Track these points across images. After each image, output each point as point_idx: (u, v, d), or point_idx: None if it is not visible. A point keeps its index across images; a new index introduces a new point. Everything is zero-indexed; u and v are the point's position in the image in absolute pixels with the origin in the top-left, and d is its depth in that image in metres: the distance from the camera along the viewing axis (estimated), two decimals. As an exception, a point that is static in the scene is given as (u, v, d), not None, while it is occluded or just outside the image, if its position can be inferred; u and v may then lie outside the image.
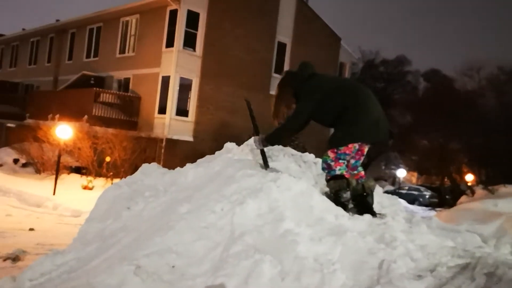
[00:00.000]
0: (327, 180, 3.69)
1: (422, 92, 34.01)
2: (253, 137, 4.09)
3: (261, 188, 3.15)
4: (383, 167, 42.12)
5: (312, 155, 4.97)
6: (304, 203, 3.12)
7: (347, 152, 3.66)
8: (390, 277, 2.53)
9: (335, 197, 3.53)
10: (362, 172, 3.90)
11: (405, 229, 3.33)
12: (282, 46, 22.65)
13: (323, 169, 3.75)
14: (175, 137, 18.32)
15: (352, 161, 3.81)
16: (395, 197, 5.13)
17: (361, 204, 3.66)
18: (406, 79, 33.45)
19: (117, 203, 4.01)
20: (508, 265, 2.60)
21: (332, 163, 3.66)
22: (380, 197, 4.59)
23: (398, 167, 36.64)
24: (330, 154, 3.67)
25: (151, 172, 4.46)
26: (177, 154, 16.89)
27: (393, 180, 41.31)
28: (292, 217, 2.94)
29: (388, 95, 32.41)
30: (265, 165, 3.89)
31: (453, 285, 2.44)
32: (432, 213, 17.82)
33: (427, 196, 32.08)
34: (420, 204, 30.86)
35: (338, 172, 3.62)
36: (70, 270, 3.25)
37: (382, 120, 3.74)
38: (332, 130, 3.91)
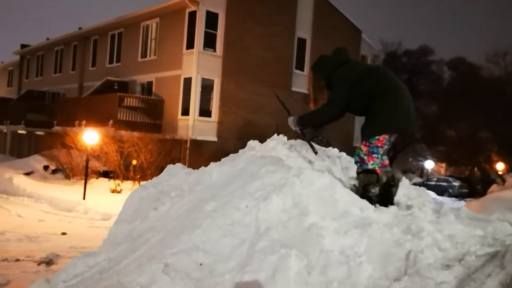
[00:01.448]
0: (358, 173, 3.67)
1: (447, 81, 33.40)
2: (288, 118, 4.04)
3: (285, 183, 3.16)
4: (410, 159, 41.54)
5: (336, 150, 4.95)
6: (328, 196, 3.12)
7: (379, 144, 3.58)
8: (417, 268, 2.51)
9: (363, 190, 3.51)
10: (387, 161, 3.84)
11: (432, 220, 3.29)
12: (302, 42, 22.56)
13: (356, 162, 3.70)
14: (199, 138, 18.47)
15: (382, 152, 3.72)
16: (422, 188, 5.07)
17: (386, 193, 3.62)
18: (430, 69, 32.91)
19: (144, 204, 4.08)
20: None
21: (365, 157, 3.61)
22: (407, 189, 4.54)
23: (426, 158, 36.08)
24: (363, 147, 3.63)
25: (176, 173, 4.52)
26: (202, 154, 17.02)
27: (421, 172, 40.68)
28: (317, 211, 2.94)
29: (413, 86, 31.92)
30: (313, 151, 3.91)
31: (483, 273, 2.40)
32: (462, 203, 17.51)
33: (456, 187, 31.50)
34: (450, 195, 30.33)
35: (370, 167, 3.58)
36: (102, 271, 3.33)
37: (412, 110, 3.69)
38: (363, 120, 3.83)
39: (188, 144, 18.32)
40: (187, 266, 2.82)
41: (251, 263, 2.67)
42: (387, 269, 2.58)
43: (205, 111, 19.14)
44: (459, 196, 29.19)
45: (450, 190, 31.55)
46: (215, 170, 3.96)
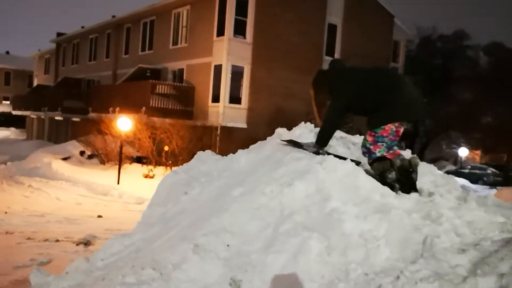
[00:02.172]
0: (370, 164, 3.77)
1: (484, 67, 32.46)
2: (307, 149, 4.01)
3: (309, 170, 3.30)
4: (444, 147, 40.76)
5: (362, 137, 5.03)
6: (350, 183, 3.24)
7: (384, 134, 3.71)
8: (433, 251, 2.62)
9: (381, 178, 3.61)
10: (398, 151, 3.94)
11: (453, 206, 3.37)
12: (332, 28, 22.36)
13: (363, 153, 3.83)
14: (229, 125, 18.69)
15: (388, 142, 3.84)
16: (450, 176, 5.10)
17: (407, 180, 3.72)
18: (466, 54, 32.00)
19: (176, 188, 4.30)
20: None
21: (371, 147, 3.74)
22: (434, 176, 4.59)
23: (460, 146, 35.34)
24: (368, 138, 3.76)
25: (206, 159, 4.72)
26: (232, 141, 17.25)
27: (455, 159, 39.89)
28: (339, 196, 3.08)
29: (447, 72, 31.23)
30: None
31: (496, 257, 2.49)
32: (493, 191, 17.19)
33: (491, 175, 30.77)
34: (485, 183, 29.68)
35: (378, 155, 3.70)
36: (137, 250, 3.57)
37: (417, 100, 3.82)
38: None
39: (219, 131, 18.57)
40: (216, 246, 3.01)
41: (275, 245, 2.84)
42: (404, 252, 2.71)
43: (235, 98, 19.32)
44: (494, 184, 28.54)
45: (485, 178, 30.85)
46: (242, 157, 4.14)
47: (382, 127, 3.69)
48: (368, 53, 22.05)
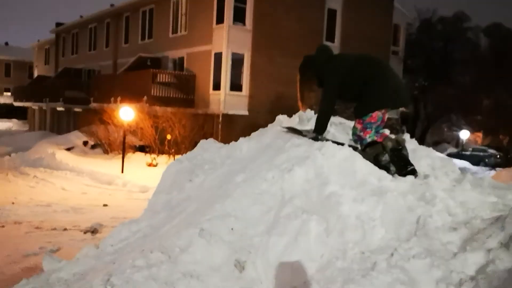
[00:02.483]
0: (363, 150, 3.91)
1: (484, 48, 32.36)
2: (307, 138, 4.14)
3: (308, 156, 3.44)
4: (446, 130, 40.82)
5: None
6: (348, 168, 3.38)
7: (372, 121, 3.88)
8: (426, 230, 2.77)
9: (375, 162, 3.75)
10: (385, 133, 4.11)
11: (447, 188, 3.51)
12: (332, 13, 22.32)
13: (355, 141, 4.00)
14: (230, 112, 18.79)
15: (376, 127, 3.98)
16: (448, 158, 5.23)
17: (400, 158, 3.86)
18: (466, 36, 31.88)
19: (180, 176, 4.44)
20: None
21: (361, 133, 3.90)
22: (431, 159, 4.72)
23: (461, 128, 35.41)
24: (357, 125, 3.92)
25: (208, 147, 4.86)
26: (233, 128, 17.37)
27: (457, 142, 39.96)
28: (337, 181, 3.22)
29: (448, 54, 31.15)
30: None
31: (484, 234, 2.64)
32: (492, 173, 17.33)
33: (492, 157, 30.90)
34: (486, 165, 29.81)
35: (369, 140, 3.85)
36: (145, 236, 3.73)
37: (402, 88, 4.01)
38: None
39: (220, 118, 18.68)
40: (220, 230, 3.16)
41: (276, 228, 3.00)
42: (399, 231, 2.85)
43: (236, 85, 19.38)
44: (495, 166, 28.67)
45: (486, 160, 30.98)
46: (244, 144, 4.28)
47: (370, 114, 3.84)
48: (368, 37, 22.05)
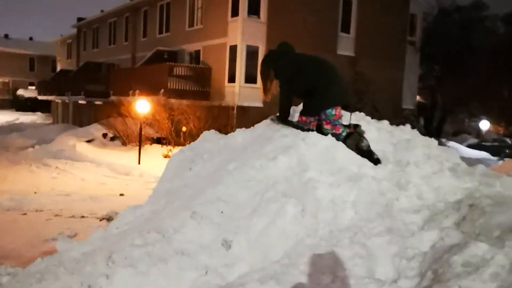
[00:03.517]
0: (344, 142, 4.12)
1: (502, 37, 31.79)
2: (271, 117, 4.66)
3: (292, 145, 3.73)
4: (466, 120, 40.35)
5: (386, 122, 5.04)
6: (329, 156, 3.66)
7: (336, 118, 4.17)
8: (391, 212, 3.04)
9: (358, 150, 4.00)
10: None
11: (425, 175, 3.75)
12: (347, 3, 22.29)
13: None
14: (245, 104, 19.05)
15: (340, 122, 4.26)
16: (448, 148, 5.45)
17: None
18: (484, 24, 31.39)
19: (182, 165, 4.78)
20: (493, 198, 2.98)
21: (334, 131, 4.14)
22: (429, 149, 4.94)
23: (480, 119, 34.99)
24: (327, 126, 4.16)
25: (210, 138, 5.18)
26: (248, 120, 17.50)
27: (478, 132, 39.45)
28: (316, 167, 3.51)
29: (465, 43, 30.74)
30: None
31: (443, 215, 2.89)
32: (500, 162, 17.25)
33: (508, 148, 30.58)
34: (506, 156, 29.53)
35: (344, 134, 4.10)
36: (146, 219, 4.08)
37: (344, 85, 4.42)
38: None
39: (235, 110, 18.99)
40: (211, 213, 3.49)
41: (259, 210, 3.30)
42: (369, 213, 3.13)
43: (251, 78, 19.58)
44: (508, 156, 28.37)
45: (507, 151, 30.66)
46: (240, 135, 4.59)
47: (334, 113, 4.12)
48: (384, 28, 22.01)
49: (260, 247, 3.12)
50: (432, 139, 5.50)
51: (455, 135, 38.19)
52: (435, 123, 31.51)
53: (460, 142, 32.30)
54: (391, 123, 4.99)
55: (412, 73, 25.72)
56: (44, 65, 48.71)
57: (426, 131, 23.78)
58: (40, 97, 35.28)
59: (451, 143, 28.20)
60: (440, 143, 5.76)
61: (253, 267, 3.03)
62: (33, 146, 19.33)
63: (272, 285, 2.77)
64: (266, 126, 4.42)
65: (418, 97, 29.54)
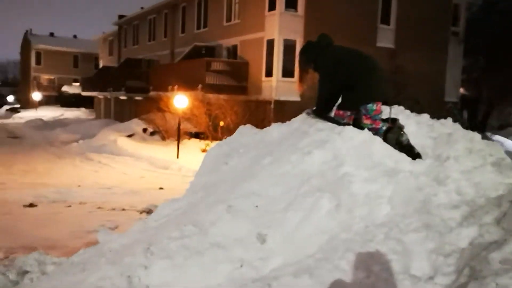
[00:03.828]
0: (384, 139, 4.05)
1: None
2: (306, 111, 4.55)
3: (327, 140, 3.71)
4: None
5: (427, 115, 4.92)
6: (365, 150, 3.62)
7: (377, 113, 4.10)
8: (428, 207, 2.97)
9: (398, 144, 3.93)
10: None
11: (465, 170, 3.65)
12: (387, -6, 21.82)
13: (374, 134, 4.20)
14: (282, 98, 19.00)
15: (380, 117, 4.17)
16: (494, 142, 5.28)
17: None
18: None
19: (218, 159, 4.84)
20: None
21: (374, 126, 4.08)
22: (471, 143, 4.81)
23: (528, 111, 33.58)
24: (366, 121, 4.10)
25: (246, 132, 5.21)
26: (285, 115, 17.46)
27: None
28: (351, 162, 3.48)
29: (511, 34, 29.52)
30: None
31: (483, 211, 2.81)
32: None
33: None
34: (554, 151, 28.23)
35: (384, 128, 4.03)
36: (183, 212, 4.15)
37: (387, 82, 4.23)
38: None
39: (272, 105, 18.97)
40: (246, 207, 3.52)
41: (293, 205, 3.31)
42: (405, 209, 3.08)
43: (288, 72, 19.49)
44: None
45: (560, 144, 29.31)
46: (275, 129, 4.59)
47: (374, 108, 4.06)
48: (426, 19, 21.41)
49: (294, 242, 3.13)
50: (475, 133, 5.35)
51: (501, 129, 36.82)
52: (480, 116, 30.47)
53: (507, 136, 31.14)
54: (433, 117, 4.86)
55: (455, 65, 24.93)
56: (88, 62, 50.21)
57: (470, 125, 23.02)
58: (83, 93, 36.41)
59: (497, 137, 27.21)
60: (485, 137, 5.57)
61: (287, 261, 3.04)
62: (77, 141, 19.98)
63: (306, 279, 2.78)
64: (301, 120, 4.41)
65: (461, 90, 28.63)
